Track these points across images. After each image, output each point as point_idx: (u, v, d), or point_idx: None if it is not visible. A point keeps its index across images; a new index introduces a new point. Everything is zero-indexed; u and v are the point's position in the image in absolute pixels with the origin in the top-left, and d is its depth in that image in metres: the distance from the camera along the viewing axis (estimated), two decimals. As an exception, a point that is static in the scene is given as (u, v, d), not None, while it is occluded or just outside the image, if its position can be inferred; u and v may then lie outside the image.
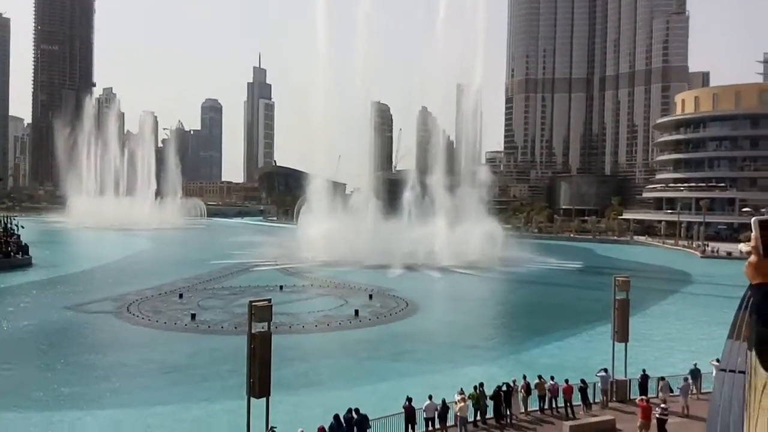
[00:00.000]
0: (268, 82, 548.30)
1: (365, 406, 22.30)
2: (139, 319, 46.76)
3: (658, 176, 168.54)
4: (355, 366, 36.50)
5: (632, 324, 29.05)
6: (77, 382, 32.39)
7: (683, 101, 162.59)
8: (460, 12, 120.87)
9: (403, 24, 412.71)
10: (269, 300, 19.44)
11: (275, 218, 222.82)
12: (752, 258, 2.98)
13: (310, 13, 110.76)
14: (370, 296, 57.24)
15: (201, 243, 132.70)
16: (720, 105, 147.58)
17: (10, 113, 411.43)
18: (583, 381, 26.80)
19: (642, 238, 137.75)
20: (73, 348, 39.89)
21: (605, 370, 27.28)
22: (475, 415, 24.40)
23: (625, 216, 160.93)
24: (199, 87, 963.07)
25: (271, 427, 19.47)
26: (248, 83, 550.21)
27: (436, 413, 23.51)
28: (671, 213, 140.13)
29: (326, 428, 20.72)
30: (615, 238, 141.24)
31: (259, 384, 18.70)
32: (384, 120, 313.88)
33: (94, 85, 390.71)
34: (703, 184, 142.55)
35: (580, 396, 26.54)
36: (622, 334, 27.75)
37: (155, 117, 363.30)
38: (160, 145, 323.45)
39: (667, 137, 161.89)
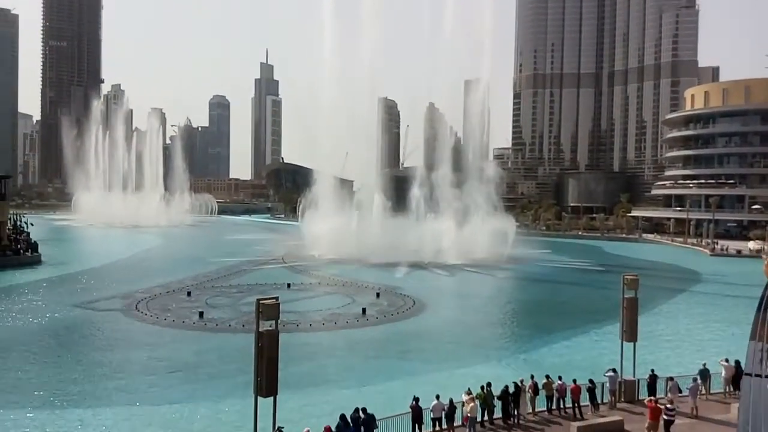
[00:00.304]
0: (275, 78, 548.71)
1: (372, 406, 22.23)
2: (147, 317, 47.03)
3: (667, 173, 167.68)
4: (362, 365, 36.49)
5: (641, 323, 28.83)
6: (85, 379, 32.57)
7: (693, 96, 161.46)
8: (467, 7, 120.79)
9: (411, 19, 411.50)
10: (277, 298, 19.32)
11: (282, 216, 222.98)
12: None
13: (318, 9, 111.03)
14: (378, 294, 57.14)
15: (209, 240, 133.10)
16: (730, 100, 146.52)
17: (20, 110, 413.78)
18: (591, 381, 26.61)
19: (651, 236, 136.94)
20: (81, 346, 40.15)
21: (614, 370, 27.10)
22: (483, 415, 24.31)
23: (634, 213, 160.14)
24: (206, 83, 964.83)
25: (279, 428, 19.40)
26: (256, 79, 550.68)
27: (444, 413, 23.42)
28: (680, 210, 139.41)
29: (333, 428, 20.65)
30: (623, 235, 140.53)
31: (267, 383, 18.62)
32: (391, 116, 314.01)
33: (103, 82, 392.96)
34: (713, 181, 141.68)
35: (588, 396, 26.37)
36: (630, 333, 27.55)
37: (163, 113, 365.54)
38: (168, 141, 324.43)
39: (676, 133, 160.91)
